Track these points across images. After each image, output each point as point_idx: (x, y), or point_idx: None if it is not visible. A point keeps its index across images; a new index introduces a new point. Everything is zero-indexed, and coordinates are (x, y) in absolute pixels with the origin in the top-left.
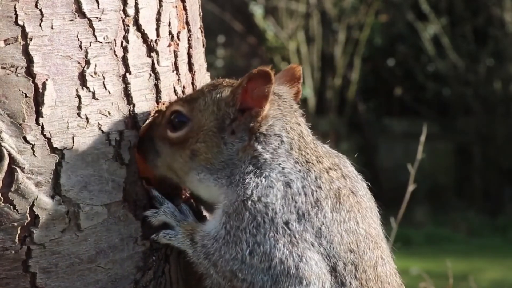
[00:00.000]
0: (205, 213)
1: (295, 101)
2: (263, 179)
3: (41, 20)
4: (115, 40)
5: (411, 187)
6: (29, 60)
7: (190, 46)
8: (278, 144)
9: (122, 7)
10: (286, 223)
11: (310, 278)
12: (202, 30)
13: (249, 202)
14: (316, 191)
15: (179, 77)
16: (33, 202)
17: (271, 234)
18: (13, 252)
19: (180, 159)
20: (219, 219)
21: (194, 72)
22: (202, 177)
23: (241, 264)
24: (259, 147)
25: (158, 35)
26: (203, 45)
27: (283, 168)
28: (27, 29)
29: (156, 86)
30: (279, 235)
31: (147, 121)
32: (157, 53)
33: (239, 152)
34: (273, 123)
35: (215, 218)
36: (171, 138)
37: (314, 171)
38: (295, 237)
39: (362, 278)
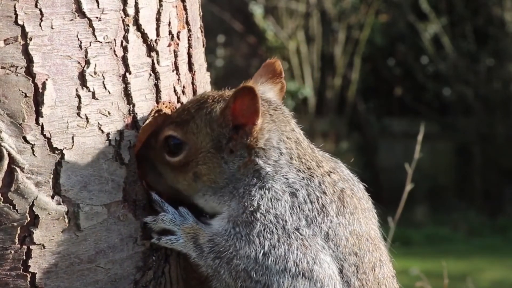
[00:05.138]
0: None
1: (283, 104)
2: (267, 191)
3: (41, 19)
4: (115, 39)
5: (408, 187)
6: (29, 60)
7: (190, 46)
8: (278, 156)
9: (122, 7)
10: (297, 229)
11: (323, 280)
12: (202, 29)
13: (258, 214)
14: (321, 197)
15: (179, 77)
16: (33, 202)
17: (284, 239)
18: (12, 252)
19: (184, 181)
20: (226, 222)
21: (194, 72)
22: (207, 198)
23: (255, 264)
24: (260, 161)
25: (158, 35)
26: (203, 45)
27: (287, 179)
28: (27, 29)
29: (156, 86)
30: (291, 239)
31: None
32: (157, 53)
33: (240, 168)
34: (270, 137)
35: (219, 220)
36: (171, 163)
37: (317, 176)
38: (307, 241)
39: (362, 279)
